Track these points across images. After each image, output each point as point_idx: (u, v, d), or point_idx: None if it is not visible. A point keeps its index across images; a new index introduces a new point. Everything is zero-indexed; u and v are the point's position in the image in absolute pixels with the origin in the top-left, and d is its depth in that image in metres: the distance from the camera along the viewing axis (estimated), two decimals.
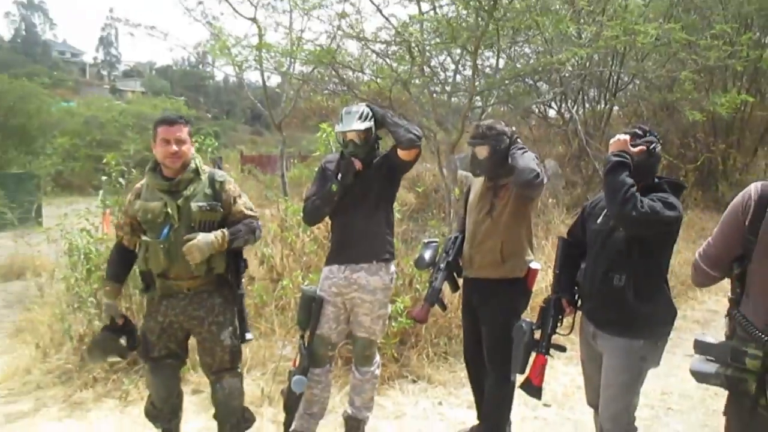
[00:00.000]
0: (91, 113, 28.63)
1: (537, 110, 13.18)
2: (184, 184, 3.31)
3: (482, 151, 3.59)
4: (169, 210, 3.25)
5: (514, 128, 3.76)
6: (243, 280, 3.60)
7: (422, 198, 10.95)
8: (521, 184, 3.41)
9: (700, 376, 2.29)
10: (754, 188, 2.26)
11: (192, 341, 3.50)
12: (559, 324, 3.23)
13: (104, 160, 5.29)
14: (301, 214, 3.89)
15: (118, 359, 3.71)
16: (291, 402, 3.74)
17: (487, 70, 10.14)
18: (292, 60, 10.28)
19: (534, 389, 3.24)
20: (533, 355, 3.20)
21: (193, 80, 55.69)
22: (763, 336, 2.14)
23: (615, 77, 11.24)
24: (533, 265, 3.64)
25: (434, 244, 3.91)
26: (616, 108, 13.26)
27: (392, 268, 3.78)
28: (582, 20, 8.08)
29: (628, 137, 2.92)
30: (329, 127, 5.80)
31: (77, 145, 23.79)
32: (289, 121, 13.13)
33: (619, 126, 12.94)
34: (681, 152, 11.80)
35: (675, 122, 11.67)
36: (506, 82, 9.10)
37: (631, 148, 2.89)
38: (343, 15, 8.38)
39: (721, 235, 2.37)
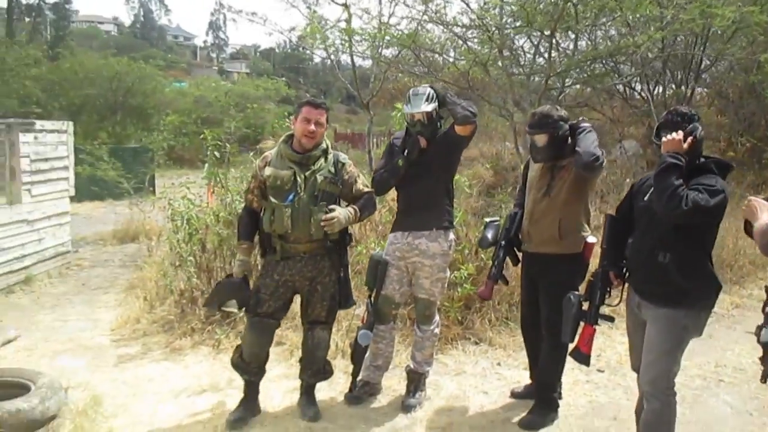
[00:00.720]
0: (200, 93, 30.19)
1: (620, 90, 12.98)
2: (314, 159, 3.79)
3: (541, 139, 3.81)
4: (298, 179, 3.73)
5: (565, 113, 3.97)
6: (348, 250, 4.08)
7: (499, 175, 11.17)
8: (581, 166, 3.64)
9: None
10: None
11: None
12: (607, 296, 3.46)
13: (201, 137, 5.91)
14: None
15: (232, 309, 3.97)
16: (358, 354, 4.18)
17: (569, 51, 10.19)
18: (380, 43, 10.66)
19: (582, 356, 3.51)
20: (582, 324, 3.48)
21: (294, 62, 57.18)
22: None
23: (698, 59, 10.96)
24: (590, 239, 3.86)
25: (496, 223, 4.19)
26: (700, 89, 12.89)
27: (451, 235, 4.14)
28: (664, 2, 8.01)
29: (681, 136, 3.04)
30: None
31: (186, 122, 25.22)
32: (377, 101, 13.58)
33: (702, 108, 12.63)
34: (766, 135, 11.38)
35: (761, 104, 11.24)
36: (585, 63, 9.13)
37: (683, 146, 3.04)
38: (427, 0, 8.68)
39: None
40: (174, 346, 5.14)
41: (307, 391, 4.03)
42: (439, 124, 4.08)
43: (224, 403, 4.09)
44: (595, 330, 3.50)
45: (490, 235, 4.12)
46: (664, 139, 3.10)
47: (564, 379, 4.41)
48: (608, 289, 3.47)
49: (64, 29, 41.66)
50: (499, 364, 4.87)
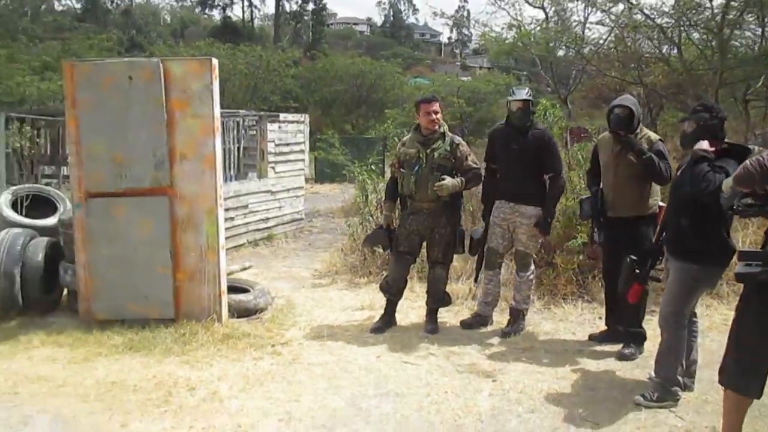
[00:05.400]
0: (434, 88, 32.47)
1: None
2: (434, 140, 5.30)
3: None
4: (421, 155, 5.27)
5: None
6: (462, 210, 5.57)
7: None
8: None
9: (745, 277, 3.22)
10: None
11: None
12: (658, 263, 4.44)
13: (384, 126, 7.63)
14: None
15: (379, 250, 6.10)
16: (473, 248, 5.47)
17: None
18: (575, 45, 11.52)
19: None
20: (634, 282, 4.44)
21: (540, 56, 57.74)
22: None
23: None
24: (661, 203, 4.84)
25: (589, 198, 5.19)
26: None
27: None
28: None
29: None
30: (547, 101, 7.33)
31: (398, 115, 27.35)
32: (584, 95, 14.33)
33: None
34: None
35: None
36: None
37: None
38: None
39: None
40: (354, 281, 6.99)
41: (431, 313, 5.51)
42: (532, 115, 5.26)
43: (374, 317, 5.70)
44: (641, 288, 4.46)
45: (586, 208, 5.15)
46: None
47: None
48: (659, 258, 4.43)
49: (321, 32, 47.23)
50: (600, 317, 5.84)
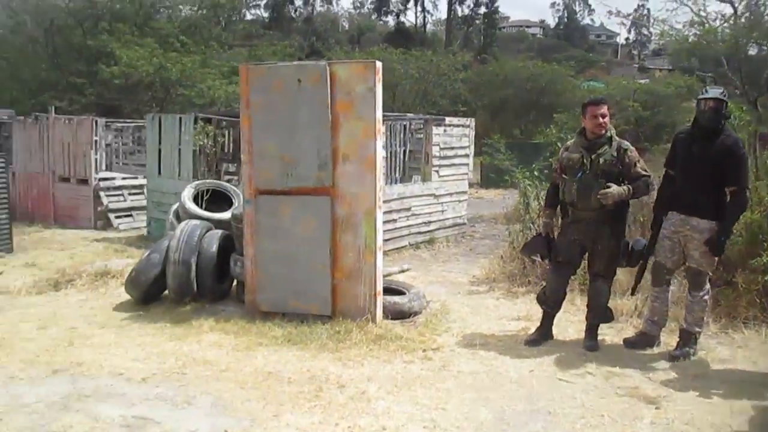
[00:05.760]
0: (608, 91, 31.04)
1: None
2: (599, 145, 5.02)
3: None
4: (584, 161, 5.01)
5: None
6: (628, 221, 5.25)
7: None
8: None
9: None
10: None
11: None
12: None
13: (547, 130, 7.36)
14: None
15: (537, 258, 5.88)
16: (634, 259, 5.10)
17: None
18: None
19: None
20: None
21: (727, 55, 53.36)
22: None
23: None
24: None
25: None
26: None
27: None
28: None
29: None
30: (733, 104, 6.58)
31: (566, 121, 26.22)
32: None
33: None
34: None
35: None
36: None
37: None
38: None
39: None
40: (511, 290, 6.78)
41: (590, 329, 5.19)
42: (724, 120, 4.79)
43: (529, 329, 5.48)
44: None
45: None
46: None
47: None
48: None
49: (492, 36, 46.99)
50: None
